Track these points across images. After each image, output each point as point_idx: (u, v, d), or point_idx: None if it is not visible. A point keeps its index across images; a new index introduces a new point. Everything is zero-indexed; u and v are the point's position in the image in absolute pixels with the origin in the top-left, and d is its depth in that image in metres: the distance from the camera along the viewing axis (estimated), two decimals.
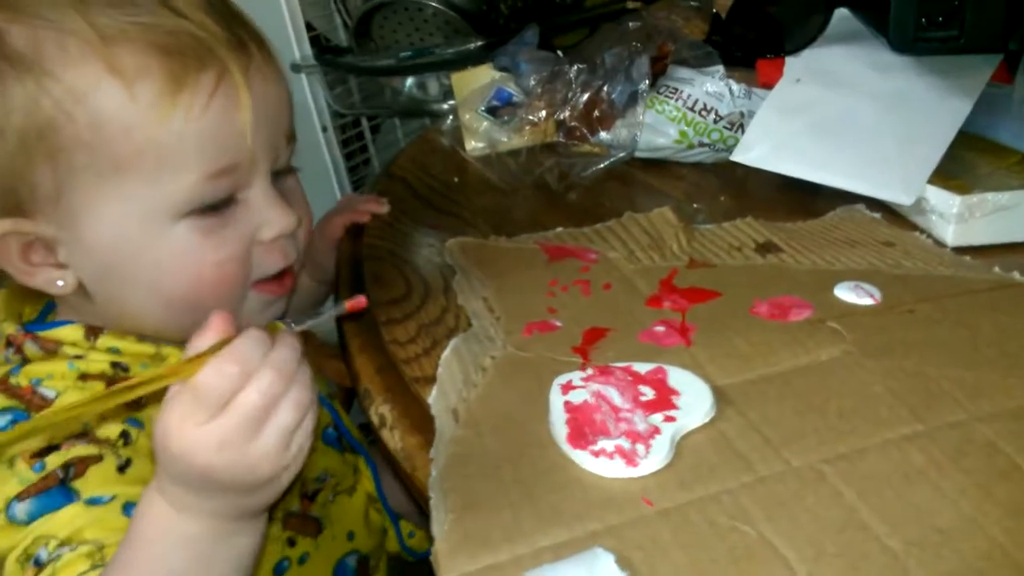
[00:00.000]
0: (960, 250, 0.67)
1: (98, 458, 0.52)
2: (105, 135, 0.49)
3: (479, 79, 0.97)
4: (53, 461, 0.51)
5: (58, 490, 0.50)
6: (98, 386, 0.55)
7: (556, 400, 0.50)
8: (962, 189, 0.68)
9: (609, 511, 0.43)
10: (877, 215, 0.74)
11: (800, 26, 0.83)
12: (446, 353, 0.57)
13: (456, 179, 0.92)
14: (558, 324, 0.59)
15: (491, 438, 0.49)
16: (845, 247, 0.67)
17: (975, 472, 0.44)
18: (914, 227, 0.72)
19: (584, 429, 0.48)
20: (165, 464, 0.43)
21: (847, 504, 0.42)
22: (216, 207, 0.54)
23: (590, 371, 0.53)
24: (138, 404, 0.54)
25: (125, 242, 0.52)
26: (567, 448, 0.47)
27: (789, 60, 0.82)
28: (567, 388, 0.51)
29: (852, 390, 0.50)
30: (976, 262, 0.65)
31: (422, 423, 0.53)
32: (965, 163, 0.73)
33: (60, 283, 0.54)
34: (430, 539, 0.44)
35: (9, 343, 0.57)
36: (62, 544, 0.48)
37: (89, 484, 0.50)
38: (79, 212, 0.51)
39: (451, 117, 1.03)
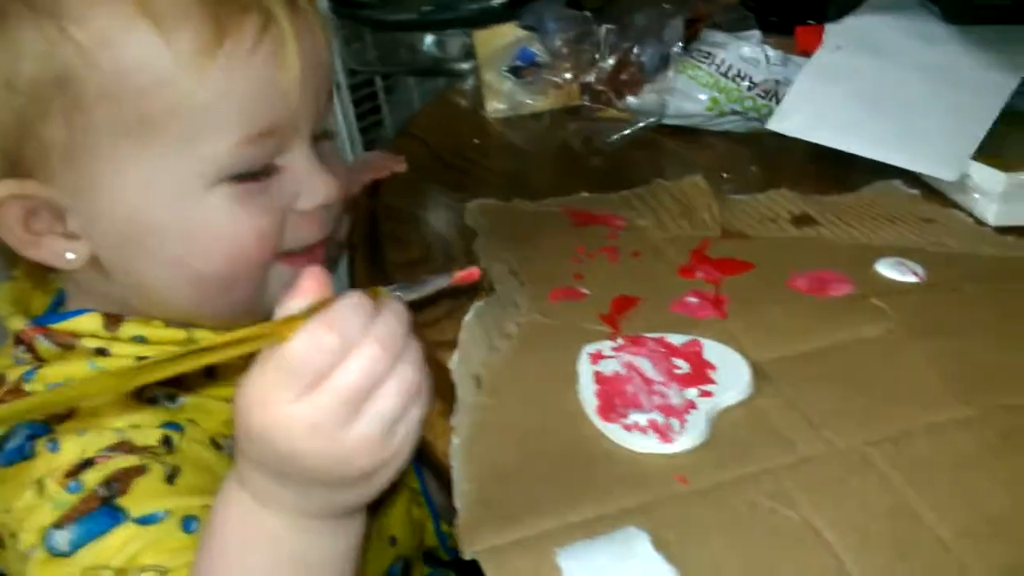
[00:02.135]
0: (1002, 230, 0.65)
1: (141, 469, 0.45)
2: (133, 88, 0.43)
3: (503, 38, 0.93)
4: (91, 478, 0.44)
5: (102, 511, 0.43)
6: (125, 355, 0.49)
7: (585, 370, 0.48)
8: (1005, 167, 0.66)
9: (642, 488, 0.41)
10: (915, 191, 0.71)
11: None
12: (468, 317, 0.54)
13: (476, 141, 0.89)
14: (585, 291, 0.57)
15: (516, 407, 0.47)
16: (884, 222, 0.64)
17: None
18: (953, 204, 0.69)
19: (615, 401, 0.46)
20: (245, 445, 0.37)
21: (894, 489, 0.40)
22: (254, 172, 0.47)
23: (621, 341, 0.50)
24: (173, 399, 0.50)
25: (150, 211, 0.46)
26: (597, 420, 0.45)
27: (829, 27, 0.78)
28: (597, 358, 0.49)
29: (897, 370, 0.48)
30: (1020, 241, 0.63)
31: (442, 389, 0.50)
32: (1008, 140, 0.71)
33: (70, 255, 0.47)
34: (453, 511, 0.42)
35: (19, 341, 0.50)
36: (118, 574, 0.42)
37: (137, 500, 0.44)
38: (97, 176, 0.45)
39: (472, 77, 1.00)
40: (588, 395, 0.46)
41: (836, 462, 0.42)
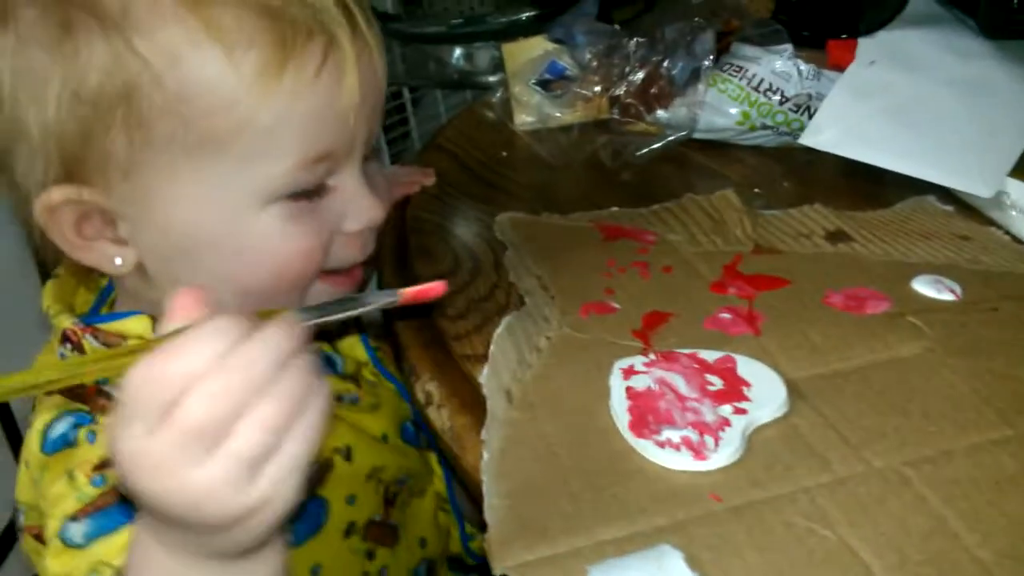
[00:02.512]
0: None
1: None
2: (196, 107, 0.43)
3: (531, 50, 0.93)
4: (114, 475, 0.43)
5: (116, 508, 0.44)
6: None
7: (617, 385, 0.48)
8: None
9: (675, 505, 0.40)
10: (949, 207, 0.70)
11: (874, 6, 0.79)
12: (499, 331, 0.54)
13: (504, 153, 0.89)
14: (616, 306, 0.57)
15: (547, 422, 0.47)
16: (919, 239, 0.63)
17: None
18: (989, 222, 0.68)
19: (647, 417, 0.45)
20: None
21: (933, 510, 0.39)
22: (307, 193, 0.48)
23: (653, 356, 0.50)
24: None
25: (204, 226, 0.47)
26: (629, 436, 0.44)
27: (862, 41, 0.78)
28: (629, 373, 0.48)
29: (935, 390, 0.47)
30: None
31: (471, 403, 0.50)
32: None
33: (118, 261, 0.48)
34: (483, 527, 0.42)
35: (66, 339, 0.50)
36: (117, 574, 0.42)
37: None
38: (153, 189, 0.45)
39: (500, 90, 1.00)
40: (620, 411, 0.46)
41: (873, 482, 0.41)
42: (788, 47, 0.80)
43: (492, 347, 0.53)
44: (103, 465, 0.45)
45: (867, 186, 0.73)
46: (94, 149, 0.44)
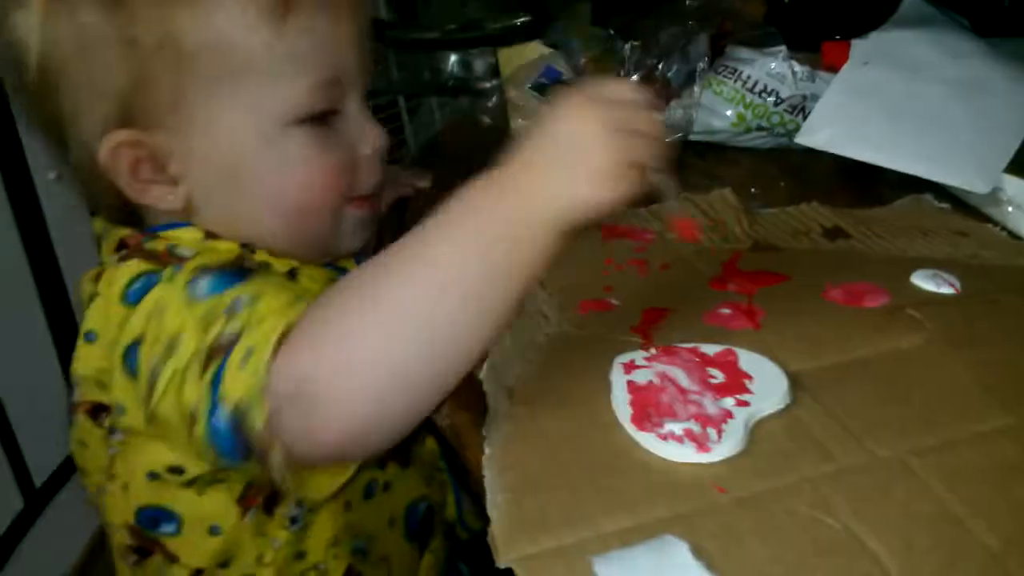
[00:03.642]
0: None
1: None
2: (223, 42, 0.50)
3: (527, 55, 0.94)
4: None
5: (231, 272, 0.50)
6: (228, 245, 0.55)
7: (618, 380, 0.48)
8: None
9: (678, 497, 0.40)
10: (946, 205, 0.70)
11: (868, 7, 0.80)
12: None
13: (502, 156, 0.89)
14: (615, 303, 0.57)
15: (549, 417, 0.46)
16: (917, 235, 0.64)
17: None
18: (985, 218, 0.68)
19: (649, 411, 0.45)
20: (532, 142, 0.45)
21: (938, 497, 0.39)
22: (323, 118, 0.55)
23: (653, 351, 0.50)
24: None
25: (242, 148, 0.53)
26: (631, 430, 0.44)
27: (856, 42, 0.78)
28: (630, 367, 0.48)
29: (937, 380, 0.47)
30: None
31: (471, 400, 0.50)
32: None
33: (170, 198, 0.54)
34: (483, 520, 0.41)
35: (122, 246, 0.55)
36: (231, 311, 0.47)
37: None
38: (196, 120, 0.52)
39: (496, 95, 1.00)
40: (622, 405, 0.46)
41: (877, 471, 0.41)
42: (782, 48, 0.81)
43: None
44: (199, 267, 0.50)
45: (864, 184, 0.74)
46: (146, 90, 0.51)
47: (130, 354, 0.49)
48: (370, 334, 0.43)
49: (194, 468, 0.53)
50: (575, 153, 0.44)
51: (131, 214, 0.56)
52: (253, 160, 0.54)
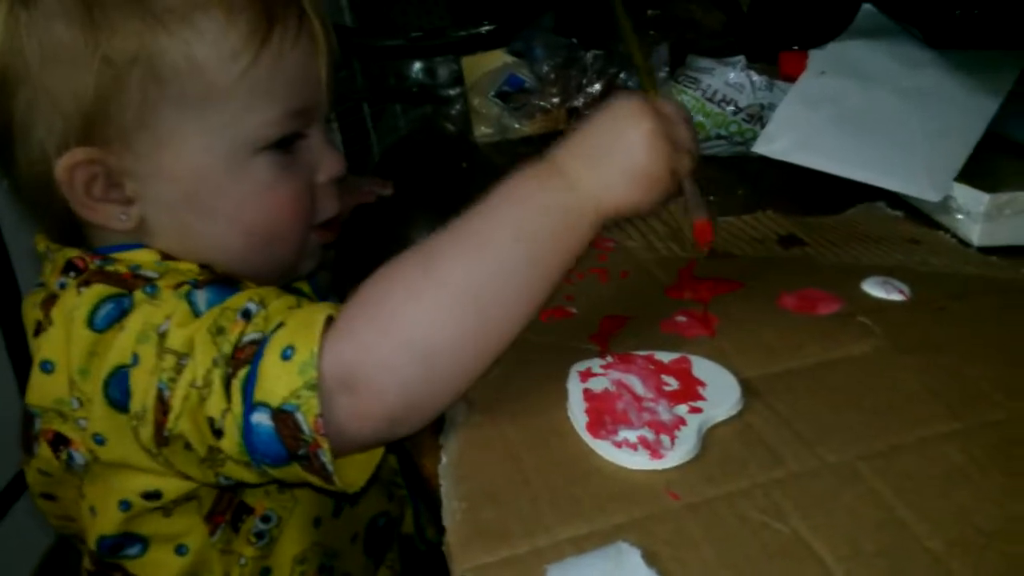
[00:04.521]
0: (985, 250, 0.65)
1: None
2: (199, 66, 0.50)
3: (491, 63, 0.94)
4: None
5: (221, 285, 0.51)
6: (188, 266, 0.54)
7: (575, 388, 0.48)
8: (988, 188, 0.66)
9: (633, 504, 0.41)
10: (899, 212, 0.72)
11: (825, 18, 0.81)
12: None
13: (464, 164, 0.89)
14: (574, 311, 0.57)
15: (507, 425, 0.47)
16: (870, 243, 0.65)
17: (1019, 474, 0.41)
18: (936, 226, 0.69)
19: (604, 418, 0.45)
20: (579, 138, 0.49)
21: (885, 503, 0.40)
22: (287, 146, 0.56)
23: (610, 359, 0.50)
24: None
25: (207, 172, 0.53)
26: (588, 438, 0.45)
27: (813, 52, 0.80)
28: (586, 376, 0.49)
29: (886, 386, 0.48)
30: (1003, 261, 0.63)
31: None
32: (990, 163, 0.71)
33: (123, 217, 0.54)
34: (439, 529, 0.42)
35: (70, 267, 0.53)
36: (244, 312, 0.47)
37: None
38: (161, 141, 0.52)
39: (459, 103, 1.01)
40: (578, 413, 0.46)
41: (827, 476, 0.42)
42: (741, 59, 0.82)
43: None
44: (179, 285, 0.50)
45: (819, 193, 0.75)
46: (112, 107, 0.50)
47: (114, 382, 0.48)
48: (418, 315, 0.45)
49: (173, 491, 0.52)
50: (621, 153, 0.48)
51: (74, 232, 0.55)
52: (217, 183, 0.54)
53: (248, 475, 0.48)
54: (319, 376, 0.43)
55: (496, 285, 0.46)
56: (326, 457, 0.44)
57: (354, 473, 0.47)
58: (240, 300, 0.48)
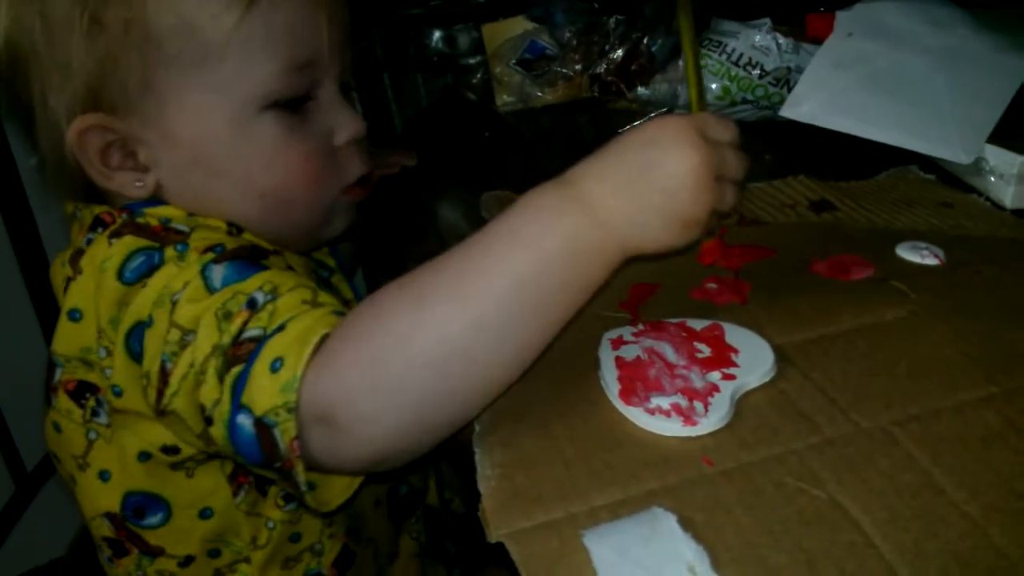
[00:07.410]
0: (1019, 212, 0.64)
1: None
2: (191, 23, 0.50)
3: (511, 30, 0.93)
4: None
5: (245, 262, 0.50)
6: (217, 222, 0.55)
7: (606, 356, 0.48)
8: (1021, 149, 0.65)
9: (666, 470, 0.41)
10: (931, 176, 0.71)
11: None
12: None
13: (487, 133, 0.89)
14: None
15: (538, 394, 0.47)
16: (903, 207, 0.64)
17: None
18: (969, 189, 0.68)
19: (637, 385, 0.45)
20: (609, 159, 0.44)
21: (921, 468, 0.40)
22: (295, 106, 0.55)
23: (641, 327, 0.50)
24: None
25: (214, 133, 0.53)
26: (620, 405, 0.45)
27: (840, 14, 0.78)
28: (618, 343, 0.49)
29: (921, 351, 0.47)
30: None
31: None
32: (1022, 123, 0.70)
33: (139, 184, 0.54)
34: (470, 497, 0.42)
35: (98, 224, 0.54)
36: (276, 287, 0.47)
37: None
38: (167, 104, 0.52)
39: (481, 71, 1.00)
40: (610, 380, 0.46)
41: (862, 442, 0.41)
42: (767, 21, 0.81)
43: None
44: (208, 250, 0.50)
45: (848, 157, 0.74)
46: (114, 73, 0.51)
47: (134, 336, 0.49)
48: (404, 369, 0.41)
49: (188, 449, 0.52)
50: (659, 190, 0.43)
51: (98, 201, 0.56)
52: (225, 146, 0.53)
53: (241, 460, 0.47)
54: (298, 401, 0.41)
55: (491, 339, 0.42)
56: (299, 478, 0.44)
57: (331, 493, 0.46)
58: (252, 285, 0.47)
